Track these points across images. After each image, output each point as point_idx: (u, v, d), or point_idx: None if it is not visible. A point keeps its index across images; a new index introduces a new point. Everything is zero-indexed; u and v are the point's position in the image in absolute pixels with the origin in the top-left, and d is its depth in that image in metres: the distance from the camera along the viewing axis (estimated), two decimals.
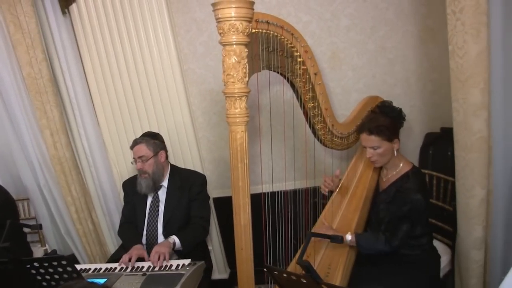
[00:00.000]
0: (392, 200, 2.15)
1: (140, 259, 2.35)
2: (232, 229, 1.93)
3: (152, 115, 2.88)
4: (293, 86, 2.13)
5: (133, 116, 2.89)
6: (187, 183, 2.58)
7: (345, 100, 2.94)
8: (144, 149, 2.51)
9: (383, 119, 2.16)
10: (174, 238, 2.41)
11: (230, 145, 1.86)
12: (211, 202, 2.99)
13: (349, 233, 2.13)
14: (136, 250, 2.36)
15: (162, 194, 2.60)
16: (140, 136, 2.58)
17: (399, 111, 2.28)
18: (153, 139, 2.56)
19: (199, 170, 2.91)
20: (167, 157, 2.64)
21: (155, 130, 2.85)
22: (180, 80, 2.81)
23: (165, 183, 2.61)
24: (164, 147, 2.62)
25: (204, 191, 2.63)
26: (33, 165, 2.86)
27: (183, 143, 2.92)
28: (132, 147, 2.54)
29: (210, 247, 3.03)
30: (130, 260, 2.28)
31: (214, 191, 3.05)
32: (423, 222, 2.15)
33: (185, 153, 2.94)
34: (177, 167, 2.72)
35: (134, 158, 2.54)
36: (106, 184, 3.02)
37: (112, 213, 3.08)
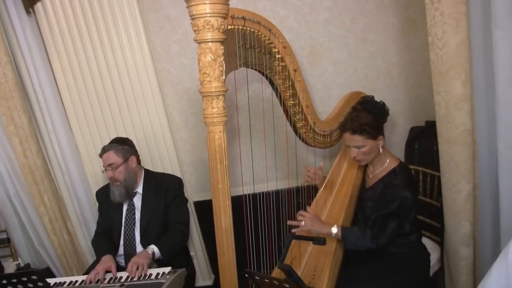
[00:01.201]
0: (380, 197, 2.16)
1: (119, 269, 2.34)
2: (214, 234, 1.94)
3: (127, 117, 2.86)
4: (272, 83, 2.14)
5: (107, 120, 2.86)
6: (163, 188, 2.57)
7: (326, 96, 2.96)
8: (113, 156, 2.49)
9: (366, 116, 2.17)
10: (153, 248, 2.40)
11: (209, 146, 1.86)
12: (191, 206, 3.00)
13: (335, 225, 2.14)
14: (104, 263, 2.34)
15: (137, 201, 2.59)
16: (108, 143, 2.56)
17: (382, 106, 2.30)
18: (121, 144, 2.54)
19: (178, 173, 2.90)
20: (139, 162, 2.63)
21: (131, 133, 2.84)
22: (154, 80, 2.79)
23: (139, 189, 2.59)
24: (134, 152, 2.60)
25: (181, 194, 2.63)
26: (2, 174, 2.80)
27: (160, 146, 2.91)
28: (101, 155, 2.52)
29: (192, 253, 3.02)
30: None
31: (194, 194, 3.04)
32: (412, 219, 2.17)
33: (163, 156, 2.93)
34: (151, 171, 2.71)
35: (104, 166, 2.52)
36: (81, 191, 2.99)
37: (88, 222, 3.05)
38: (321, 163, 2.43)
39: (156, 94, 2.81)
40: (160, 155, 2.92)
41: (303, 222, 2.12)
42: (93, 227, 2.93)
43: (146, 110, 2.84)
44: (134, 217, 2.57)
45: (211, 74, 1.77)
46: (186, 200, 2.70)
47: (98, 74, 2.79)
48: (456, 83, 1.90)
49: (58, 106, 2.85)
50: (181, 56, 2.86)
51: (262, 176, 2.73)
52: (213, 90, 1.78)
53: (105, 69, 2.78)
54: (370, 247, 2.10)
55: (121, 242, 2.56)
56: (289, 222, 2.16)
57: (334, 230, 2.13)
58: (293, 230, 2.15)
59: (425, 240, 2.45)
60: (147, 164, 2.89)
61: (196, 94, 2.80)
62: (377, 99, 2.42)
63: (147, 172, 2.66)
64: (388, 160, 2.23)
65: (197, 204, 3.05)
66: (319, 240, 1.96)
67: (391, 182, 2.14)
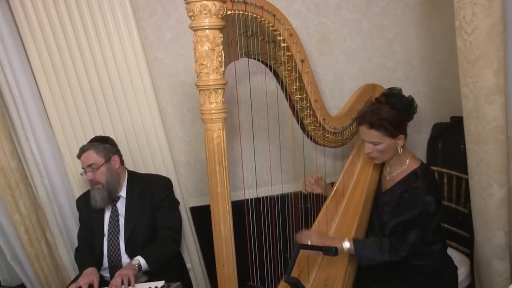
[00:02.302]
0: (398, 202, 2.17)
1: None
2: (213, 243, 1.95)
3: (115, 114, 2.87)
4: (276, 75, 2.16)
5: (93, 116, 2.87)
6: (149, 190, 2.60)
7: (338, 89, 2.98)
8: (93, 156, 2.51)
9: (387, 110, 2.18)
10: (139, 259, 2.43)
11: (206, 146, 1.87)
12: (187, 212, 3.01)
13: (346, 239, 2.14)
14: (86, 277, 2.37)
15: (121, 206, 2.62)
16: (87, 143, 2.58)
17: (410, 102, 2.28)
18: (102, 143, 2.57)
19: (173, 175, 2.92)
20: (122, 162, 2.66)
21: (120, 131, 2.86)
22: (146, 72, 2.80)
23: (123, 193, 2.62)
24: (117, 152, 2.63)
25: (170, 196, 2.66)
26: None
27: (152, 145, 2.93)
28: (79, 156, 2.55)
29: (188, 265, 3.04)
30: None
31: (191, 199, 3.06)
32: (434, 227, 2.16)
33: (156, 156, 2.94)
34: (136, 172, 2.74)
35: (83, 168, 2.55)
36: (63, 197, 2.98)
37: (71, 231, 3.04)
38: (318, 175, 2.47)
39: (148, 87, 2.83)
40: (153, 155, 2.94)
41: (309, 240, 2.13)
42: (76, 237, 2.89)
43: (137, 105, 2.86)
44: (118, 224, 2.60)
45: (208, 65, 1.79)
46: (176, 203, 2.73)
47: (82, 65, 2.80)
48: (487, 73, 1.89)
49: (36, 101, 2.82)
50: (176, 45, 2.87)
51: (266, 178, 2.74)
52: (211, 83, 1.80)
53: (90, 59, 2.78)
54: (389, 260, 2.10)
55: (105, 253, 2.58)
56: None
57: (347, 244, 2.12)
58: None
59: (451, 252, 2.45)
60: (138, 165, 2.92)
61: (192, 87, 2.79)
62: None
63: (131, 174, 2.69)
64: (408, 161, 2.23)
65: (194, 210, 3.07)
66: (330, 250, 1.97)
67: (410, 185, 2.14)
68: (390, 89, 2.37)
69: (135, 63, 2.79)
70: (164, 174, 2.89)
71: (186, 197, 3.05)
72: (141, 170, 2.90)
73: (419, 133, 3.09)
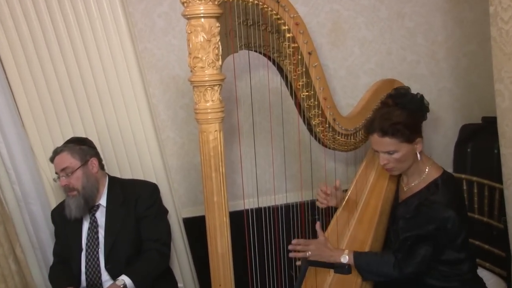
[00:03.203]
0: (413, 215, 2.18)
1: None
2: (209, 259, 1.97)
3: (99, 112, 2.87)
4: (280, 70, 2.17)
5: (73, 114, 2.87)
6: (132, 197, 2.61)
7: (352, 86, 3.00)
8: (67, 159, 2.52)
9: (399, 113, 2.19)
10: (124, 279, 2.44)
11: (201, 149, 1.89)
12: (179, 224, 3.03)
13: (345, 251, 2.19)
14: None
15: (100, 216, 2.62)
16: (62, 144, 2.59)
17: (420, 99, 2.32)
18: (78, 144, 2.58)
19: (164, 181, 2.94)
20: (102, 166, 2.68)
21: (103, 132, 2.87)
22: (134, 64, 2.81)
23: (102, 201, 2.63)
24: (95, 154, 2.64)
25: (156, 204, 2.67)
26: None
27: (141, 147, 2.93)
28: (52, 159, 2.55)
29: (180, 285, 3.05)
30: None
31: (184, 209, 3.08)
32: (460, 244, 2.17)
33: (145, 160, 2.95)
34: (118, 178, 2.76)
35: (56, 172, 2.56)
36: (36, 206, 2.92)
37: (45, 246, 2.99)
38: (338, 181, 2.47)
39: (136, 82, 2.83)
40: (141, 159, 2.95)
41: (308, 252, 2.18)
42: (50, 253, 2.87)
43: (123, 102, 2.86)
44: (97, 237, 2.60)
45: (204, 58, 1.80)
46: (164, 211, 2.75)
47: (59, 55, 2.79)
48: None
49: (7, 98, 2.78)
50: (168, 34, 2.89)
51: (268, 186, 2.75)
52: (207, 78, 1.82)
53: (69, 48, 2.78)
54: (390, 275, 2.13)
55: (83, 270, 2.58)
56: (292, 255, 2.25)
57: (345, 258, 2.17)
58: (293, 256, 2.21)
59: (483, 273, 2.45)
60: (125, 171, 2.94)
61: (187, 82, 2.79)
62: (418, 88, 2.44)
63: (112, 180, 2.70)
64: (427, 169, 2.24)
65: (188, 222, 3.08)
66: (342, 268, 1.95)
67: (429, 197, 2.15)
68: (396, 89, 2.40)
69: (121, 54, 2.80)
70: (153, 180, 2.89)
71: (179, 206, 3.06)
72: (128, 175, 2.91)
73: (444, 136, 3.10)
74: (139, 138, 2.92)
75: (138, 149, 2.94)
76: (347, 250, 2.19)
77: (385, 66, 3.01)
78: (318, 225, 2.28)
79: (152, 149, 2.94)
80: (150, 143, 2.93)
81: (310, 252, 2.18)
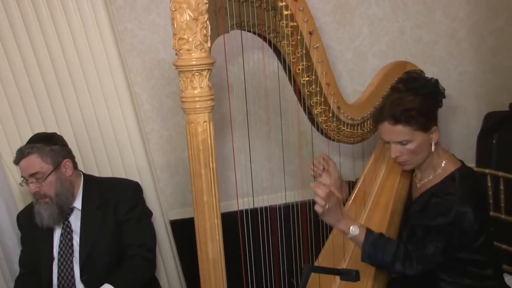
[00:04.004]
0: (424, 207, 2.20)
1: None
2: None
3: (73, 103, 2.86)
4: (278, 52, 2.18)
5: (43, 105, 2.85)
6: (111, 198, 2.60)
7: (359, 70, 3.00)
8: (37, 163, 2.46)
9: (412, 98, 2.20)
10: None
11: (189, 143, 1.91)
12: (166, 227, 3.04)
13: (356, 224, 2.12)
14: None
15: (75, 220, 2.61)
16: (27, 143, 2.52)
17: (435, 84, 2.32)
18: (48, 144, 2.52)
19: (148, 180, 2.94)
20: (75, 166, 2.64)
21: (79, 126, 2.86)
22: (112, 47, 2.80)
23: (77, 204, 2.61)
24: (68, 154, 2.60)
25: (139, 205, 2.66)
26: None
27: (122, 142, 2.93)
28: (16, 162, 2.49)
29: None
30: None
31: (171, 210, 3.09)
32: (477, 248, 2.18)
33: (126, 157, 2.95)
34: (94, 177, 2.75)
35: (23, 177, 2.50)
36: (1, 208, 2.90)
37: (11, 254, 2.96)
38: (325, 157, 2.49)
39: (115, 67, 2.83)
40: (123, 155, 2.95)
41: (329, 203, 2.04)
42: (18, 263, 2.82)
43: (101, 91, 2.86)
44: (72, 244, 2.59)
45: (190, 40, 1.82)
46: (148, 213, 2.74)
47: (26, 38, 2.76)
48: None
49: None
50: (151, 13, 2.88)
51: (265, 184, 2.76)
52: (194, 62, 1.83)
53: (37, 30, 2.75)
54: (401, 271, 2.11)
55: (54, 282, 2.57)
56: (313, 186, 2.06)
57: (354, 230, 2.10)
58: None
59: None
60: (104, 169, 2.93)
61: (173, 68, 2.82)
62: (435, 72, 2.44)
63: (88, 179, 2.69)
64: (443, 163, 2.25)
65: (175, 224, 3.09)
66: (349, 274, 1.96)
67: (443, 190, 2.16)
68: (408, 73, 2.40)
69: (97, 36, 2.78)
70: (137, 179, 2.89)
71: (166, 207, 3.07)
72: (107, 174, 2.91)
73: (465, 125, 3.11)
74: (120, 131, 2.92)
75: (119, 144, 2.94)
76: (359, 223, 2.14)
77: (397, 48, 3.01)
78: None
79: (134, 144, 2.94)
80: (133, 137, 2.93)
81: (329, 206, 2.04)
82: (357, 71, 3.00)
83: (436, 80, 2.35)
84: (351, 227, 2.10)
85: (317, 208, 2.04)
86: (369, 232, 2.12)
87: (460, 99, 3.06)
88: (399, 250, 2.10)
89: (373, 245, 2.11)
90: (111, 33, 2.80)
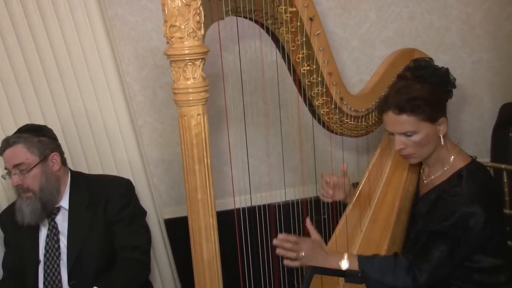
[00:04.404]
0: (429, 209, 2.20)
1: None
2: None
3: (60, 93, 2.86)
4: (276, 40, 2.18)
5: (28, 96, 2.84)
6: (101, 197, 2.59)
7: (366, 59, 3.01)
8: (22, 153, 2.47)
9: (419, 87, 2.19)
10: None
11: (182, 137, 1.92)
12: (160, 226, 3.05)
13: (345, 256, 2.14)
14: None
15: (62, 220, 2.60)
16: (15, 133, 2.54)
17: (445, 73, 2.32)
18: (36, 135, 2.53)
19: (141, 176, 2.96)
20: (64, 161, 2.64)
21: (66, 118, 2.87)
22: (102, 35, 2.80)
23: (64, 203, 2.60)
24: (57, 147, 2.61)
25: (131, 204, 2.66)
26: None
27: (113, 136, 2.94)
28: (1, 151, 2.49)
29: None
30: None
31: (166, 208, 3.11)
32: (490, 250, 2.17)
33: (118, 152, 2.96)
34: (83, 174, 2.75)
35: (6, 168, 2.51)
36: None
37: None
38: (345, 165, 2.47)
39: (106, 55, 2.83)
40: (114, 150, 2.96)
41: (302, 252, 2.12)
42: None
43: (91, 81, 2.86)
44: (59, 246, 2.58)
45: (182, 27, 1.82)
46: (141, 212, 2.74)
47: (9, 24, 2.76)
48: None
49: None
50: None
51: (263, 181, 2.78)
52: (187, 51, 1.83)
53: (22, 16, 2.75)
54: (407, 283, 2.10)
55: (40, 287, 2.56)
56: (279, 252, 2.17)
57: (344, 263, 2.12)
58: (285, 262, 2.17)
59: None
60: (94, 165, 2.94)
61: None
62: (447, 61, 2.44)
63: (76, 176, 2.68)
64: (452, 159, 2.25)
65: (170, 223, 3.10)
66: (354, 276, 1.95)
67: (450, 190, 2.16)
68: (415, 60, 2.40)
69: (86, 22, 2.78)
70: (129, 175, 2.91)
71: (160, 205, 3.09)
72: (98, 171, 2.92)
73: (480, 118, 3.11)
74: (110, 124, 2.93)
75: (110, 138, 2.95)
76: (346, 254, 2.15)
77: (406, 35, 3.02)
78: (308, 222, 2.26)
79: (126, 138, 2.95)
80: (124, 131, 2.93)
81: (303, 253, 2.12)
82: (363, 60, 3.01)
83: (447, 69, 2.35)
84: (340, 263, 2.12)
85: (288, 262, 2.15)
86: (361, 258, 2.15)
87: (473, 89, 3.06)
88: (401, 262, 2.11)
89: (374, 269, 2.12)
90: (101, 19, 2.80)
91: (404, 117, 2.15)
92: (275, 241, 2.17)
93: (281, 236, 2.18)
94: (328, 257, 2.15)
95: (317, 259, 2.13)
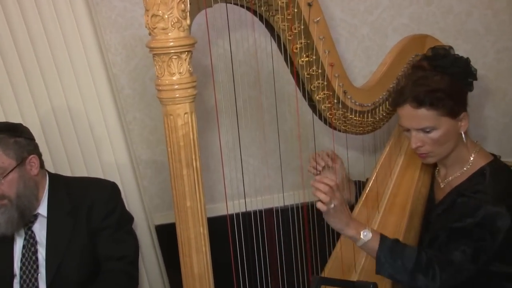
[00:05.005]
0: (448, 207, 2.21)
1: None
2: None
3: (39, 88, 2.85)
4: (271, 29, 2.17)
5: (4, 94, 2.84)
6: (83, 203, 2.57)
7: (377, 49, 3.00)
8: None
9: (439, 78, 2.19)
10: None
11: (168, 139, 1.93)
12: (151, 233, 3.06)
13: (367, 228, 2.11)
14: None
15: (39, 229, 2.58)
16: None
17: (465, 63, 2.31)
18: (12, 136, 2.49)
19: (129, 178, 2.96)
20: (41, 164, 2.61)
21: (48, 115, 2.87)
22: (86, 21, 2.79)
23: (42, 210, 2.58)
24: (35, 148, 2.58)
25: (117, 210, 2.64)
26: None
27: (98, 134, 2.94)
28: None
29: None
30: None
31: (157, 214, 3.11)
32: (510, 257, 2.19)
33: (103, 152, 2.96)
34: (63, 177, 2.72)
35: None
36: None
37: None
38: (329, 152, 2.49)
39: (90, 45, 2.83)
40: (99, 150, 2.96)
41: (334, 202, 2.04)
42: None
43: (73, 73, 2.86)
44: (36, 258, 2.57)
45: (166, 16, 1.83)
46: (129, 219, 2.74)
47: None
48: None
49: None
50: None
51: (259, 184, 2.79)
52: (171, 44, 1.84)
53: None
54: (421, 284, 2.08)
55: None
56: (315, 192, 2.06)
57: (366, 235, 2.09)
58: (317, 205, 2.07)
59: None
60: (77, 167, 2.94)
61: None
62: (468, 50, 2.42)
63: (55, 180, 2.66)
64: (472, 157, 2.25)
65: (162, 230, 3.11)
66: (365, 287, 1.99)
67: (472, 187, 2.17)
68: (434, 49, 2.38)
69: (68, 8, 2.77)
70: (116, 178, 2.91)
71: (150, 210, 3.09)
72: (82, 173, 2.92)
73: (504, 114, 3.10)
74: (96, 121, 2.92)
75: (95, 137, 2.94)
76: (368, 228, 2.11)
77: (423, 21, 3.00)
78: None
79: (113, 136, 2.95)
80: (111, 128, 2.93)
81: (334, 204, 2.03)
82: (374, 49, 3.00)
83: (467, 59, 2.34)
84: (362, 232, 2.09)
85: (320, 205, 2.03)
86: (383, 238, 2.11)
87: (497, 81, 3.04)
88: (421, 257, 2.08)
89: (389, 253, 2.08)
90: (85, 4, 2.79)
91: (422, 111, 2.16)
92: (312, 183, 2.08)
93: (319, 177, 2.11)
94: (351, 221, 2.11)
95: (341, 218, 2.08)
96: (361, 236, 2.09)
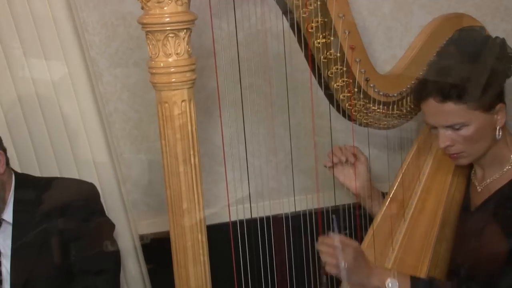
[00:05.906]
0: (492, 216, 2.21)
1: None
2: None
3: (3, 73, 2.85)
4: (283, 4, 2.19)
5: None
6: (55, 207, 2.57)
7: (401, 29, 3.01)
8: None
9: (469, 67, 2.20)
10: None
11: (162, 131, 1.96)
12: (133, 242, 3.06)
13: (392, 272, 2.15)
14: None
15: (3, 238, 2.57)
16: None
17: (501, 44, 2.33)
18: None
19: (110, 179, 2.97)
20: (7, 161, 2.60)
21: (14, 106, 2.87)
22: None
23: (7, 216, 2.57)
24: None
25: (95, 217, 2.65)
26: None
27: (73, 128, 2.94)
28: None
29: None
30: None
31: (142, 221, 3.12)
32: None
33: (79, 147, 2.95)
34: (31, 177, 2.72)
35: None
36: None
37: None
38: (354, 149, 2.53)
39: (64, 24, 2.83)
40: (74, 146, 2.96)
41: (344, 262, 2.09)
42: None
43: (44, 57, 2.86)
44: (0, 272, 2.56)
45: None
46: (109, 227, 2.74)
47: None
48: None
49: None
50: None
51: (267, 186, 2.82)
52: (167, 19, 1.86)
53: None
54: None
55: None
56: (325, 259, 2.14)
57: (392, 285, 2.13)
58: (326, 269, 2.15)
59: None
60: (47, 166, 2.93)
61: None
62: (509, 29, 2.44)
63: (22, 180, 2.66)
64: None
65: (147, 240, 3.12)
66: None
67: None
68: (461, 30, 2.40)
69: None
70: (94, 178, 2.91)
71: (134, 217, 3.09)
72: (53, 172, 2.91)
73: None
74: (70, 113, 2.92)
75: (69, 131, 2.94)
76: (394, 271, 2.16)
77: None
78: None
79: (90, 130, 2.94)
80: (88, 121, 2.93)
81: (344, 263, 2.08)
82: (398, 30, 3.01)
83: (503, 39, 2.35)
84: (388, 282, 2.13)
85: (329, 269, 2.11)
86: (414, 281, 2.14)
87: None
88: None
89: None
90: None
91: (449, 106, 2.16)
92: (316, 246, 2.16)
93: (321, 239, 2.17)
94: (372, 272, 2.16)
95: (359, 273, 2.13)
96: (387, 287, 2.12)
